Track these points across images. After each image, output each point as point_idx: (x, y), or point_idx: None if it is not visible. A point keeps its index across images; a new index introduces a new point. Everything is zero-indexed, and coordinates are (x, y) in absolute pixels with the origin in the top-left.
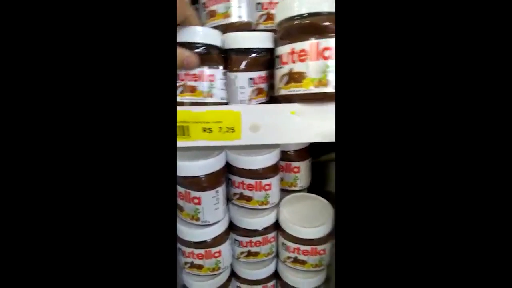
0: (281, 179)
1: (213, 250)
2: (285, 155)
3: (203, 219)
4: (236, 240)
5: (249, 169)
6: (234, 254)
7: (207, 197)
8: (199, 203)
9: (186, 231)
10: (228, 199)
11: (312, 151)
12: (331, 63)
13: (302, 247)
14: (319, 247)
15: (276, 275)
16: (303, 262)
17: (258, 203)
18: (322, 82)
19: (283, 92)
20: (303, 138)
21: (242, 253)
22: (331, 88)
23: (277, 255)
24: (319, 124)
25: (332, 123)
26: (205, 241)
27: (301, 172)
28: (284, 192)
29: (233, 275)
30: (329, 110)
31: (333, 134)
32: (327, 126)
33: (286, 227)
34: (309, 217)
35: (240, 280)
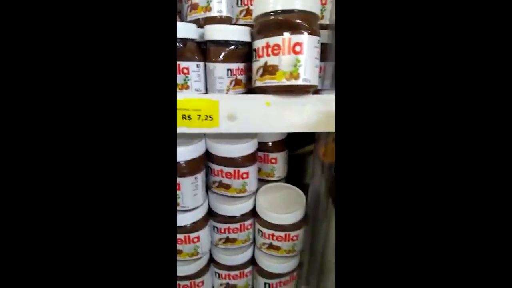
0: (259, 170)
1: (192, 235)
2: (263, 146)
3: (182, 204)
4: (215, 226)
5: (228, 157)
6: (212, 241)
7: (187, 183)
8: (178, 189)
9: None
10: (208, 187)
11: (289, 145)
12: (302, 57)
13: (276, 233)
14: (292, 233)
15: (252, 261)
16: (277, 248)
17: (236, 191)
18: (293, 75)
19: (259, 83)
20: (277, 128)
21: (220, 239)
22: (301, 81)
23: (254, 242)
24: (292, 116)
25: (304, 115)
26: (184, 226)
27: (278, 163)
28: (262, 182)
29: (212, 261)
30: (301, 103)
31: (304, 125)
32: (299, 118)
33: (262, 214)
34: (284, 205)
35: (218, 266)
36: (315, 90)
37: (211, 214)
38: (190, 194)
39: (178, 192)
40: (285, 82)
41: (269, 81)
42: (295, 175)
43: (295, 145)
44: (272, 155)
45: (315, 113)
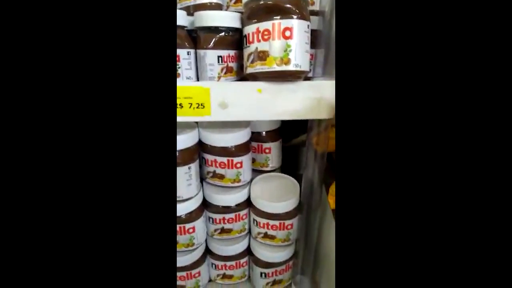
0: (253, 160)
1: (187, 226)
2: (257, 137)
3: (176, 194)
4: (210, 217)
5: (221, 147)
6: (208, 232)
7: (180, 172)
8: None
9: None
10: (202, 178)
11: (283, 135)
12: (292, 42)
13: (271, 222)
14: (287, 222)
15: (248, 251)
16: (272, 237)
17: (230, 180)
18: (283, 60)
19: (250, 70)
20: (270, 116)
21: (215, 230)
22: (292, 66)
23: (249, 232)
24: (284, 102)
25: (295, 101)
26: (179, 216)
27: (272, 152)
28: (256, 172)
29: (208, 252)
30: (292, 89)
31: (296, 112)
32: (291, 105)
33: (257, 203)
34: (278, 194)
35: (214, 256)
36: (307, 77)
37: (206, 205)
38: (184, 184)
39: None
40: (276, 68)
41: (260, 67)
42: (289, 166)
43: (289, 135)
44: (266, 145)
45: (307, 99)
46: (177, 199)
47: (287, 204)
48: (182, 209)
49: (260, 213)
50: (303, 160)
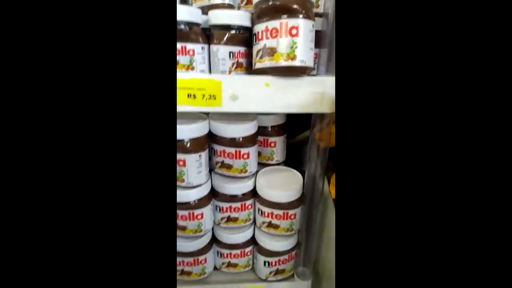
0: (259, 154)
1: (196, 212)
2: (263, 131)
3: (187, 181)
4: (217, 206)
5: (230, 138)
6: (215, 220)
7: (191, 160)
8: (183, 165)
9: None
10: (211, 169)
11: (288, 132)
12: (298, 40)
13: (275, 211)
14: (290, 212)
15: (253, 241)
16: (276, 227)
17: (237, 171)
18: (290, 56)
19: (258, 65)
20: (276, 108)
21: (222, 218)
22: (297, 62)
23: (254, 223)
24: (289, 96)
25: (300, 96)
26: (189, 202)
27: (277, 146)
28: (262, 165)
29: (214, 240)
30: (297, 84)
31: (300, 106)
32: (296, 98)
33: (262, 193)
34: (282, 185)
35: (220, 244)
36: (311, 74)
37: (214, 194)
38: (195, 172)
39: (183, 168)
40: (283, 63)
41: (268, 63)
42: (293, 162)
43: (293, 132)
44: (271, 139)
45: (311, 94)
46: (188, 185)
47: (290, 194)
48: (192, 195)
49: (265, 202)
50: (306, 157)
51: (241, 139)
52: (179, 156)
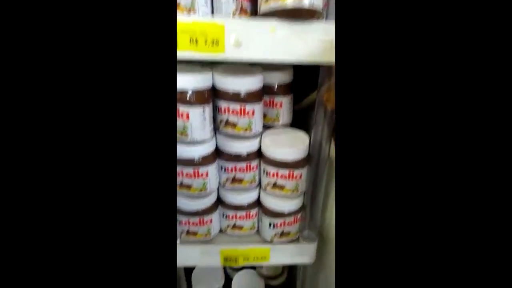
0: (265, 116)
1: (201, 170)
2: (269, 90)
3: (191, 136)
4: (222, 166)
5: (234, 93)
6: (220, 181)
7: (195, 113)
8: (187, 119)
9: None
10: (215, 129)
11: (294, 96)
12: None
13: (281, 171)
14: (296, 172)
15: (258, 203)
16: (281, 187)
17: (242, 129)
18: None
19: (264, 8)
20: (282, 56)
21: (227, 179)
22: (306, 4)
23: (259, 185)
24: (297, 44)
25: (308, 43)
26: (193, 159)
27: (283, 107)
28: (267, 128)
29: (220, 202)
30: (306, 30)
31: (309, 54)
32: (304, 46)
33: (267, 152)
34: (288, 143)
35: (225, 206)
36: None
37: (219, 154)
38: (199, 127)
39: (186, 123)
40: (289, 5)
41: (274, 4)
42: (299, 128)
43: (300, 97)
44: (277, 99)
45: (320, 42)
46: (192, 141)
47: (296, 152)
48: (196, 152)
49: (270, 162)
50: (312, 121)
51: (245, 94)
52: (182, 108)
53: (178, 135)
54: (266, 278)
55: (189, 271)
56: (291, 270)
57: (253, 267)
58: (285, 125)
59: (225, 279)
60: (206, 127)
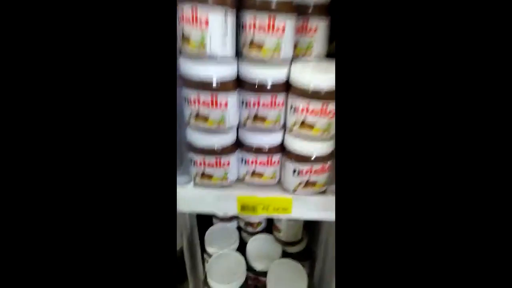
0: (295, 46)
1: (220, 98)
2: (302, 10)
3: (210, 49)
4: (244, 100)
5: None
6: (240, 120)
7: (216, 18)
8: (206, 25)
9: (191, 68)
10: (238, 53)
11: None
12: None
13: (312, 105)
14: (330, 106)
15: (282, 150)
16: (311, 126)
17: (269, 52)
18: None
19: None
20: None
21: (248, 116)
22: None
23: (284, 128)
24: None
25: None
26: (211, 83)
27: (318, 34)
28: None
29: (239, 146)
30: None
31: None
32: None
33: (297, 81)
34: (323, 70)
35: (245, 148)
36: None
37: (240, 84)
38: (219, 38)
39: (205, 31)
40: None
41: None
42: None
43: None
44: (312, 24)
45: None
46: (211, 55)
47: (330, 79)
48: (215, 73)
49: (300, 92)
50: None
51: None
52: (201, 13)
53: (194, 49)
54: (284, 243)
55: (202, 231)
56: (312, 236)
57: (270, 231)
58: (319, 58)
59: (240, 243)
60: (227, 41)
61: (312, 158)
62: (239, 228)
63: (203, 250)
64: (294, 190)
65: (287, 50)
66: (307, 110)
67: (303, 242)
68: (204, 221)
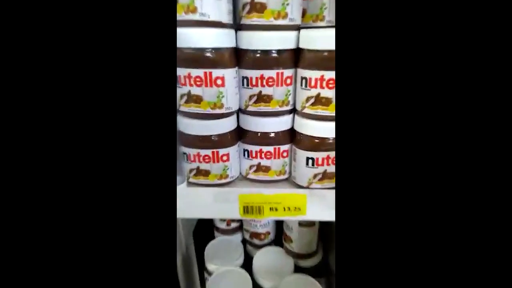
0: (303, 13)
1: (215, 72)
2: None
3: (201, 9)
4: (245, 76)
5: None
6: (241, 103)
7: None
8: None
9: (178, 37)
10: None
11: None
12: None
13: (327, 74)
14: None
15: (292, 137)
16: (326, 103)
17: (273, 13)
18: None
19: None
20: None
21: (251, 97)
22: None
23: (293, 110)
24: None
25: None
26: (204, 56)
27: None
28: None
29: (240, 135)
30: None
31: None
32: None
33: (307, 47)
34: None
35: (247, 137)
36: None
37: (239, 54)
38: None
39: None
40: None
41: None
42: None
43: None
44: None
45: None
46: (202, 17)
47: None
48: (209, 42)
49: (312, 60)
50: None
51: None
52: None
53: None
54: (296, 256)
55: (201, 245)
56: (328, 248)
57: (280, 243)
58: (331, 24)
59: (245, 258)
60: (223, 6)
61: (329, 141)
62: (244, 241)
63: (202, 267)
64: (309, 185)
65: (294, 14)
66: (321, 84)
67: (319, 255)
68: (204, 233)
